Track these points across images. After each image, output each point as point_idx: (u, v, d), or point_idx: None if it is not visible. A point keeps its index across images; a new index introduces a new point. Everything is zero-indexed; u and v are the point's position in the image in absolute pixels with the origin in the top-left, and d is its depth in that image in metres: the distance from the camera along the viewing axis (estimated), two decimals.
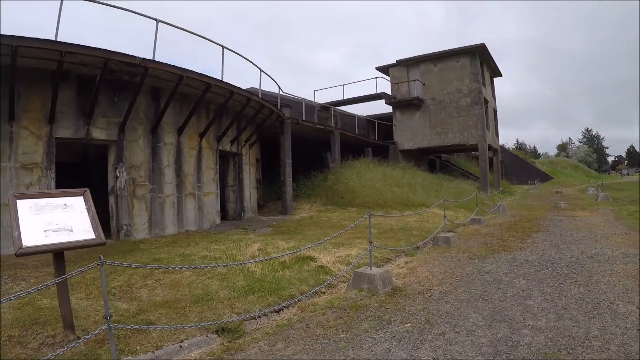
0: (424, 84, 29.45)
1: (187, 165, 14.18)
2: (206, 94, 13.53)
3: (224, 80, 14.10)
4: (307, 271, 7.55)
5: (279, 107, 19.32)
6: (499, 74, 34.79)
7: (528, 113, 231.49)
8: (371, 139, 29.02)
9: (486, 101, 29.36)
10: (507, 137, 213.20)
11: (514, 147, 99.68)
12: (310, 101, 29.24)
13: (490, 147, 30.19)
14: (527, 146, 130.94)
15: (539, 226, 13.89)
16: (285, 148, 19.52)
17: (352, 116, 31.67)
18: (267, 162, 24.05)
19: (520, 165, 59.85)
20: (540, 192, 35.51)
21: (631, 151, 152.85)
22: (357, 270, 7.04)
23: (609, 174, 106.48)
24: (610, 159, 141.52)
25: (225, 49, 14.83)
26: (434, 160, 37.07)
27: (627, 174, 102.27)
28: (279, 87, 20.80)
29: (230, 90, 14.07)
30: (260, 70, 18.04)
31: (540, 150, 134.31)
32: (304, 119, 22.56)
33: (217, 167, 15.80)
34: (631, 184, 35.15)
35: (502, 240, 11.24)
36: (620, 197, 23.50)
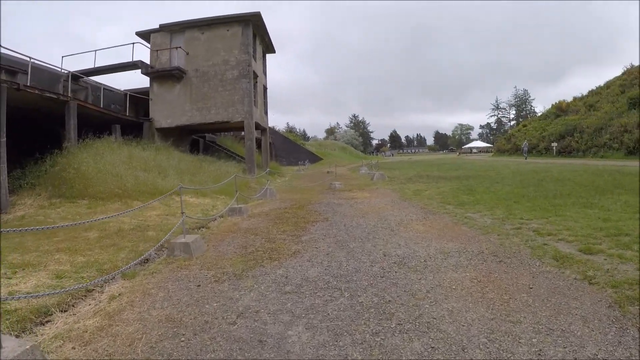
0: (187, 54, 25.51)
1: None
2: None
3: None
4: None
5: None
6: (273, 50, 32.77)
7: (300, 99, 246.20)
8: (121, 115, 23.93)
9: (256, 75, 26.85)
10: (278, 121, 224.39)
11: (284, 130, 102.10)
12: (55, 68, 22.74)
13: (258, 126, 27.89)
14: (298, 129, 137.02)
15: (315, 214, 11.42)
16: None
17: (110, 90, 26.12)
18: None
19: (291, 147, 60.95)
20: (311, 173, 34.82)
21: (393, 135, 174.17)
22: None
23: (375, 154, 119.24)
24: (374, 142, 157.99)
25: None
26: (197, 140, 33.46)
27: (392, 155, 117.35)
28: None
29: None
30: None
31: (310, 134, 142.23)
32: (41, 88, 16.69)
33: None
34: (399, 163, 37.02)
35: (269, 240, 8.24)
36: (395, 176, 23.30)
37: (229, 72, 25.09)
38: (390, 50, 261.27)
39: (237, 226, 10.12)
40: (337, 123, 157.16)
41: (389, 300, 4.65)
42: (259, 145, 33.06)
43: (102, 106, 22.23)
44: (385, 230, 8.54)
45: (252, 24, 25.75)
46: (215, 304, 4.88)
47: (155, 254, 7.56)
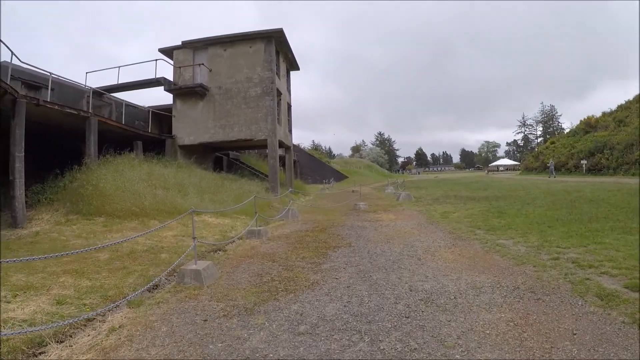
0: (210, 70, 25.42)
1: None
2: None
3: None
4: None
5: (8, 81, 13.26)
6: (297, 67, 32.55)
7: (326, 117, 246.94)
8: (143, 131, 23.86)
9: (279, 93, 26.59)
10: (303, 139, 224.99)
11: (309, 147, 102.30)
12: (79, 84, 22.87)
13: (282, 144, 27.52)
14: (323, 147, 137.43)
15: (337, 238, 10.88)
16: (16, 137, 13.49)
17: (134, 107, 26.18)
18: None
19: (316, 165, 60.70)
20: (336, 192, 34.22)
21: (419, 153, 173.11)
22: None
23: (401, 172, 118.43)
24: (400, 160, 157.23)
25: None
26: (220, 158, 33.31)
27: (418, 173, 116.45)
28: (15, 55, 14.72)
29: None
30: None
31: (335, 152, 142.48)
32: (67, 105, 16.71)
33: None
34: (426, 181, 36.24)
35: (286, 268, 7.73)
36: (421, 196, 22.64)
37: (252, 89, 24.86)
38: (413, 66, 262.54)
39: (255, 250, 9.65)
40: (363, 141, 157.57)
41: (415, 348, 4.08)
42: (283, 164, 32.75)
43: (125, 123, 22.15)
44: (412, 258, 7.96)
45: (275, 40, 25.54)
46: (220, 344, 4.39)
47: (166, 279, 7.16)
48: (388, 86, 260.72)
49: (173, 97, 25.82)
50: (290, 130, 31.37)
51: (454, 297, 5.54)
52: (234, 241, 10.95)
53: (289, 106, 31.12)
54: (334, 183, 49.04)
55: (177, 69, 25.81)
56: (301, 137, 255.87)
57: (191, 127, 25.43)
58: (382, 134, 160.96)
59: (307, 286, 6.41)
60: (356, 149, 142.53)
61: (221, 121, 25.07)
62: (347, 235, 11.16)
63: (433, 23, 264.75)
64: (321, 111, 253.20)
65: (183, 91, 25.16)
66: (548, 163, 46.20)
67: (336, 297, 5.81)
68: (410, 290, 5.92)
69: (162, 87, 25.52)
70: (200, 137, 25.32)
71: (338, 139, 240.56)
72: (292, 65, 31.63)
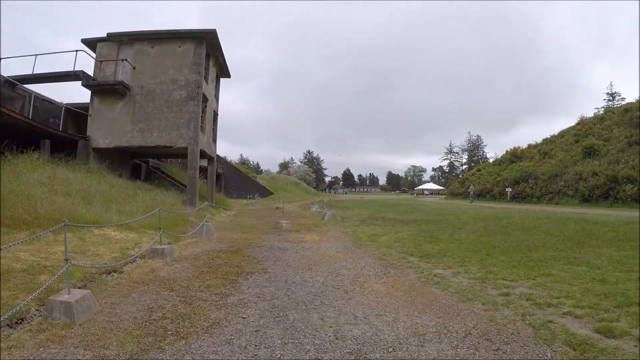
0: (134, 68, 23.44)
1: None
2: None
3: None
4: None
5: None
6: (228, 74, 31.04)
7: (257, 132, 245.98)
8: (52, 129, 21.39)
9: (206, 99, 25.03)
10: (231, 152, 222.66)
11: (237, 161, 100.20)
12: None
13: (204, 154, 25.90)
14: (251, 162, 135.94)
15: (253, 262, 9.57)
16: None
17: (50, 102, 23.65)
18: None
19: (241, 179, 59.47)
20: (259, 208, 32.81)
21: (347, 173, 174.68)
22: None
23: (327, 191, 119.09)
24: (327, 179, 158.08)
25: None
26: (139, 165, 31.00)
27: (345, 193, 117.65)
28: None
29: None
30: None
31: (264, 167, 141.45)
32: None
33: None
34: (352, 201, 35.56)
35: (185, 300, 6.35)
36: (348, 216, 21.69)
37: (177, 92, 23.12)
38: (348, 90, 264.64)
39: (154, 274, 8.14)
40: (292, 158, 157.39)
41: None
42: (206, 175, 30.99)
43: (38, 118, 19.88)
44: (337, 291, 6.78)
45: (207, 42, 24.01)
46: None
47: (37, 310, 5.62)
48: (322, 107, 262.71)
49: (91, 94, 23.51)
50: (214, 140, 29.69)
51: (393, 349, 4.39)
52: (135, 260, 9.40)
53: (216, 114, 29.49)
54: (259, 199, 47.81)
55: (98, 63, 23.57)
56: (229, 151, 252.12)
57: (108, 129, 23.25)
58: (311, 152, 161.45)
59: (205, 328, 5.05)
60: (284, 166, 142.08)
61: (140, 124, 23.11)
62: (265, 259, 9.87)
63: (373, 48, 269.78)
64: (253, 126, 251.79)
65: (102, 88, 22.95)
66: (469, 189, 48.52)
67: (239, 347, 4.49)
68: (336, 339, 4.69)
69: (80, 82, 23.32)
70: (116, 141, 23.18)
71: (267, 155, 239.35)
72: (223, 71, 30.10)
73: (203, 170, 31.33)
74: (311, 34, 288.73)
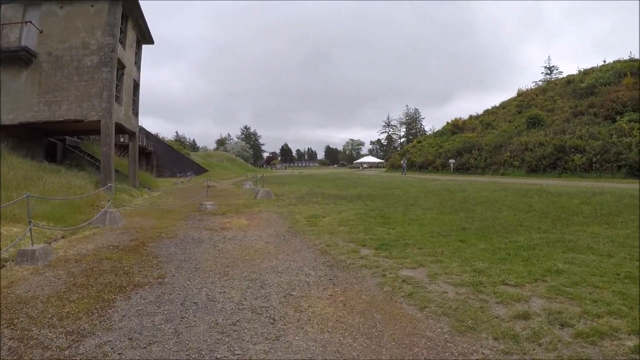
0: (41, 32, 19.70)
1: None
2: None
3: None
4: None
5: None
6: (150, 40, 27.34)
7: (193, 109, 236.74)
8: None
9: (123, 66, 21.60)
10: (167, 130, 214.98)
11: (173, 138, 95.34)
12: None
13: (122, 128, 22.59)
14: (188, 139, 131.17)
15: (151, 264, 6.96)
16: None
17: None
18: None
19: (174, 157, 56.28)
20: (190, 186, 29.55)
21: (285, 148, 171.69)
22: None
23: (265, 167, 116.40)
24: (265, 155, 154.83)
25: None
26: (54, 144, 27.01)
27: (285, 168, 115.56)
28: None
29: None
30: None
31: (200, 144, 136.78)
32: None
33: None
34: (290, 177, 33.06)
35: (24, 340, 3.71)
36: (284, 193, 19.15)
37: (88, 57, 19.61)
38: (285, 64, 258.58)
39: (7, 292, 5.41)
40: (229, 134, 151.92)
41: None
42: (127, 152, 27.58)
43: None
44: (259, 320, 4.27)
45: (123, 1, 20.60)
46: None
47: None
48: (260, 81, 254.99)
49: None
50: (136, 114, 26.16)
51: None
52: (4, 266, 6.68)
53: (136, 84, 25.89)
54: (193, 177, 44.95)
55: (0, 27, 19.78)
56: (166, 129, 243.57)
57: (12, 103, 19.50)
58: (248, 127, 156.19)
59: None
60: (221, 142, 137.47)
61: (47, 96, 19.51)
62: (169, 258, 7.24)
63: (311, 23, 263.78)
64: (191, 103, 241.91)
65: (4, 56, 19.24)
66: (401, 161, 48.76)
67: None
68: None
69: None
70: (20, 116, 19.47)
71: (204, 132, 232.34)
72: (145, 36, 26.40)
73: (125, 147, 28.00)
74: (247, 7, 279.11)
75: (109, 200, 12.85)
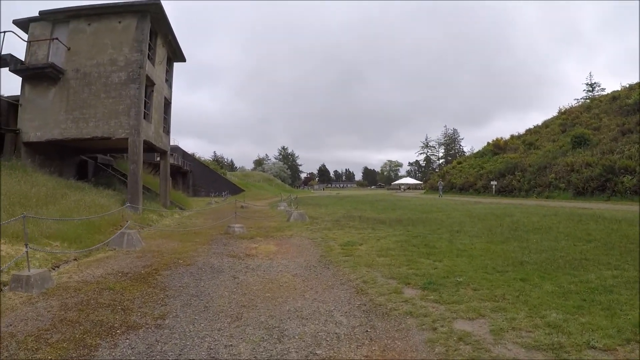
0: (68, 49, 19.47)
1: None
2: None
3: None
4: None
5: None
6: (182, 58, 26.99)
7: (232, 131, 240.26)
8: None
9: (152, 83, 21.12)
10: (205, 150, 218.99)
11: (211, 158, 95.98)
12: None
13: (152, 146, 22.03)
14: (226, 159, 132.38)
15: (155, 298, 5.97)
16: None
17: None
18: None
19: (211, 176, 56.36)
20: (223, 207, 28.80)
21: (322, 169, 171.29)
22: None
23: (303, 188, 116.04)
24: (303, 175, 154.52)
25: None
26: (86, 162, 26.75)
27: (323, 189, 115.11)
28: None
29: None
30: None
31: (238, 164, 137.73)
32: None
33: None
34: (327, 198, 32.02)
35: None
36: (319, 216, 18.02)
37: (116, 74, 19.15)
38: (319, 85, 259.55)
39: None
40: (266, 155, 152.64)
41: None
42: (168, 172, 27.10)
43: None
44: None
45: (151, 16, 20.01)
46: None
47: None
48: (295, 104, 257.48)
49: (22, 80, 19.51)
50: (167, 132, 25.62)
51: None
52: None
53: (168, 102, 25.42)
54: (229, 196, 44.52)
55: (29, 45, 19.53)
56: (204, 149, 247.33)
57: (40, 120, 19.20)
58: (286, 148, 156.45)
59: None
60: (259, 163, 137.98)
61: (75, 113, 19.11)
62: (178, 291, 6.21)
63: (342, 45, 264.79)
64: (228, 124, 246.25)
65: (32, 73, 18.90)
66: (437, 183, 48.07)
67: None
68: None
69: (8, 68, 19.27)
70: (48, 133, 19.13)
71: (242, 152, 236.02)
72: (176, 54, 26.01)
73: (157, 166, 27.58)
74: (280, 32, 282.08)
75: (127, 221, 11.96)
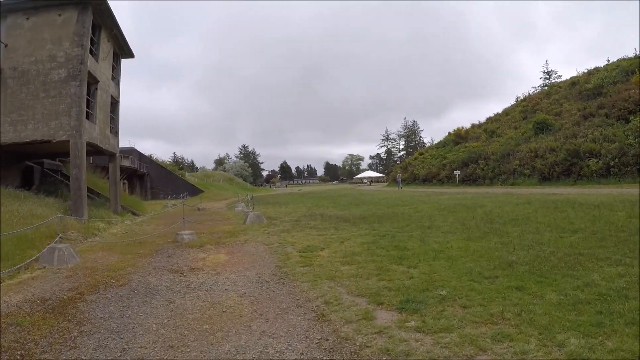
0: (5, 46, 17.64)
1: None
2: None
3: None
4: None
5: None
6: (129, 54, 25.21)
7: (192, 131, 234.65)
8: None
9: (96, 80, 19.46)
10: (164, 151, 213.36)
11: (170, 160, 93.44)
12: None
13: (98, 149, 20.42)
14: (186, 160, 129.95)
15: (68, 333, 4.77)
16: None
17: None
18: None
19: (169, 178, 54.98)
20: (178, 210, 27.16)
21: (284, 166, 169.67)
22: None
23: (265, 186, 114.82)
24: (265, 173, 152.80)
25: None
26: (31, 168, 24.68)
27: (285, 186, 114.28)
28: None
29: None
30: None
31: (199, 165, 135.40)
32: None
33: None
34: (288, 195, 30.62)
35: None
36: (278, 216, 16.76)
37: (55, 71, 17.55)
38: (282, 84, 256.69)
39: None
40: (227, 154, 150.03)
41: None
42: (126, 177, 25.34)
43: None
44: None
45: (93, 8, 18.39)
46: None
47: None
48: (256, 101, 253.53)
49: None
50: (115, 133, 23.85)
51: None
52: None
53: (115, 101, 23.63)
54: (187, 198, 42.80)
55: None
56: (164, 150, 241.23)
57: None
58: (247, 146, 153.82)
59: None
60: (220, 162, 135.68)
61: (12, 115, 17.43)
62: (97, 325, 4.92)
63: (305, 39, 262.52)
64: (189, 124, 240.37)
65: None
66: (396, 176, 48.21)
67: None
68: None
69: None
70: None
71: (203, 152, 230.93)
72: (123, 49, 24.33)
73: (122, 170, 25.82)
74: (239, 29, 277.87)
75: (58, 234, 10.45)
